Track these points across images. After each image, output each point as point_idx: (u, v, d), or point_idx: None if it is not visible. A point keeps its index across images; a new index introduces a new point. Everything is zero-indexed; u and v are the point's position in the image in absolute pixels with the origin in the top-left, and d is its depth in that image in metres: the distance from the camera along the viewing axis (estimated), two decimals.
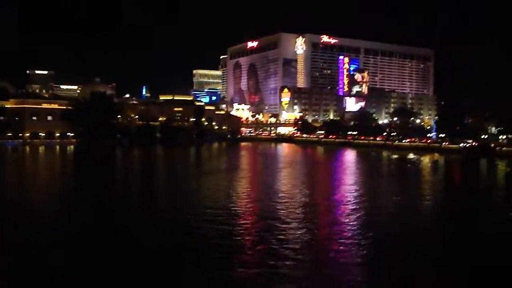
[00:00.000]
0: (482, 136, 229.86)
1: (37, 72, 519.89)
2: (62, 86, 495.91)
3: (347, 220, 56.11)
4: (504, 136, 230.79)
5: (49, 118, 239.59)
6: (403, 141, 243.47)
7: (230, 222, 53.36)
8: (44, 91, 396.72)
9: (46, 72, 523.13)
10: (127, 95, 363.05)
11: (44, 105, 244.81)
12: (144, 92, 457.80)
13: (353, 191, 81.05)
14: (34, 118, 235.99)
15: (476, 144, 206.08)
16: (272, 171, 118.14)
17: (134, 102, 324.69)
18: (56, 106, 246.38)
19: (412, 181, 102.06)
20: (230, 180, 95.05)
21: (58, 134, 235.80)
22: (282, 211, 59.67)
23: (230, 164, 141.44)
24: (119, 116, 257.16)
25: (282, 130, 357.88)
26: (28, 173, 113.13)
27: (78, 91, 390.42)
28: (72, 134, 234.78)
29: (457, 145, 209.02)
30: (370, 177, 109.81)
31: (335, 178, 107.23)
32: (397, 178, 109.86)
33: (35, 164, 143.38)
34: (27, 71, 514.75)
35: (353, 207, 64.07)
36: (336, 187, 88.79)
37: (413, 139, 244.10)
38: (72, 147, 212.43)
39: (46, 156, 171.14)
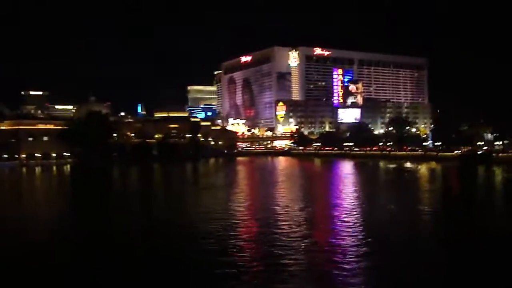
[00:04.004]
0: (478, 143, 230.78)
1: (31, 93, 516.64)
2: (57, 106, 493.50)
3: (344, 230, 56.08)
4: (500, 142, 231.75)
5: (45, 138, 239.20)
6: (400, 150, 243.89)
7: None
8: (39, 111, 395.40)
9: (41, 92, 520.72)
10: (123, 113, 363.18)
11: (40, 126, 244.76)
12: (139, 109, 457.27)
13: (351, 202, 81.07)
14: (30, 139, 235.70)
15: (473, 151, 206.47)
16: (270, 185, 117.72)
17: (130, 120, 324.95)
18: (52, 126, 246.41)
19: (409, 191, 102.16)
20: (227, 195, 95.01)
21: (54, 155, 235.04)
22: (281, 226, 59.69)
23: (227, 179, 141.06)
24: (115, 135, 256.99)
25: (279, 143, 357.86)
26: (24, 200, 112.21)
27: (74, 110, 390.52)
28: (69, 154, 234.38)
29: (453, 153, 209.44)
30: (367, 187, 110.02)
31: (333, 190, 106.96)
32: (394, 188, 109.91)
33: (32, 188, 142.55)
34: (22, 92, 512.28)
35: (350, 219, 64.09)
36: (334, 200, 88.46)
37: (409, 148, 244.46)
38: (68, 167, 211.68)
39: (43, 178, 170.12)
